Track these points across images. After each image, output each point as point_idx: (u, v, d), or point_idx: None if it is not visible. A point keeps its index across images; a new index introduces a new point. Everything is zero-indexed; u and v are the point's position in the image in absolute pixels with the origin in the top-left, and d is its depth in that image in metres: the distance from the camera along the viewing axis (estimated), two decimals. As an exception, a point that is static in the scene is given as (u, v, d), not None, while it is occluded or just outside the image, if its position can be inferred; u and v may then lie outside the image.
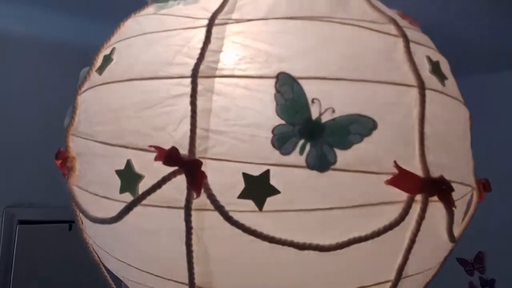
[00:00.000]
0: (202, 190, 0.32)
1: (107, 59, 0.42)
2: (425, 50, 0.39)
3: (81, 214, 0.42)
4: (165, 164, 0.32)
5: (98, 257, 0.47)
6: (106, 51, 0.43)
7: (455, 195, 0.37)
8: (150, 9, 0.44)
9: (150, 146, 0.33)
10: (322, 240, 0.33)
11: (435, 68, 0.39)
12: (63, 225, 1.32)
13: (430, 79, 0.37)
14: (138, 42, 0.40)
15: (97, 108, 0.40)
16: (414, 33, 0.40)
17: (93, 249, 0.47)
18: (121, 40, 0.42)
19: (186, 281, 0.35)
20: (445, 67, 0.42)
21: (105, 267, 0.47)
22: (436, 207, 0.36)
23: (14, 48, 1.53)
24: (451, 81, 0.41)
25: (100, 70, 0.42)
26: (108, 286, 0.48)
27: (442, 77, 0.39)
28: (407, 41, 0.37)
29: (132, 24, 0.43)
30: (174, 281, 0.37)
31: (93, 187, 0.40)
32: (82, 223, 0.45)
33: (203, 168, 0.33)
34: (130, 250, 0.39)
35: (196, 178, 0.31)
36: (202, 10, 0.38)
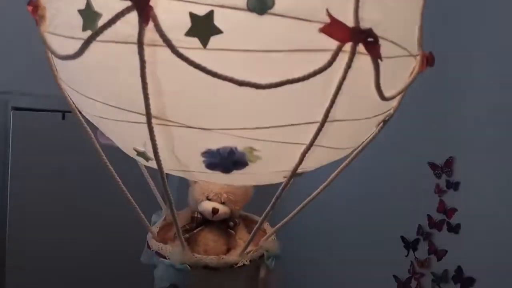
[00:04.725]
0: (152, 25, 0.36)
1: None
2: None
3: (52, 56, 0.46)
4: (117, -3, 0.35)
5: (74, 104, 0.52)
6: None
7: (385, 52, 0.42)
8: None
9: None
10: (259, 79, 0.38)
11: None
12: (56, 114, 1.37)
13: None
14: None
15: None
16: None
17: (69, 97, 0.52)
18: None
19: (144, 112, 0.41)
20: None
21: (81, 114, 0.53)
22: (365, 61, 0.41)
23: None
24: None
25: None
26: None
27: None
28: None
29: None
30: (134, 112, 0.42)
31: (60, 29, 0.43)
32: (56, 70, 0.50)
33: (153, 7, 0.36)
34: (93, 85, 0.44)
35: (145, 10, 0.35)
36: None
